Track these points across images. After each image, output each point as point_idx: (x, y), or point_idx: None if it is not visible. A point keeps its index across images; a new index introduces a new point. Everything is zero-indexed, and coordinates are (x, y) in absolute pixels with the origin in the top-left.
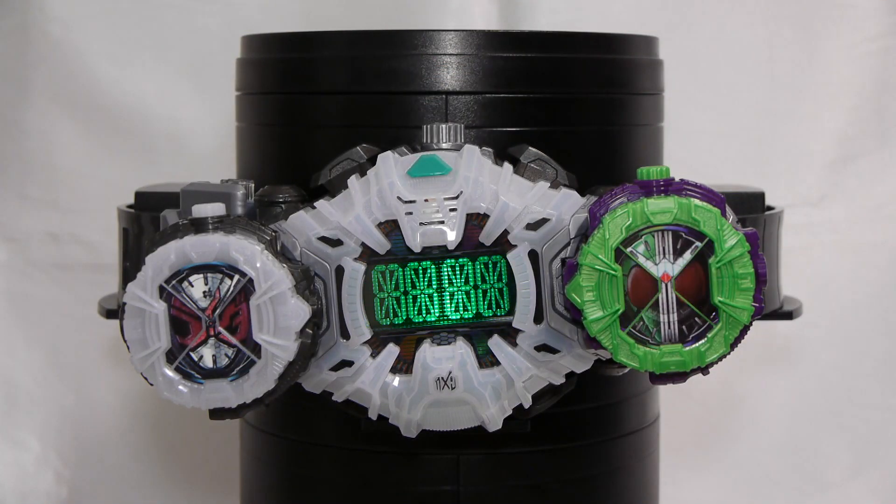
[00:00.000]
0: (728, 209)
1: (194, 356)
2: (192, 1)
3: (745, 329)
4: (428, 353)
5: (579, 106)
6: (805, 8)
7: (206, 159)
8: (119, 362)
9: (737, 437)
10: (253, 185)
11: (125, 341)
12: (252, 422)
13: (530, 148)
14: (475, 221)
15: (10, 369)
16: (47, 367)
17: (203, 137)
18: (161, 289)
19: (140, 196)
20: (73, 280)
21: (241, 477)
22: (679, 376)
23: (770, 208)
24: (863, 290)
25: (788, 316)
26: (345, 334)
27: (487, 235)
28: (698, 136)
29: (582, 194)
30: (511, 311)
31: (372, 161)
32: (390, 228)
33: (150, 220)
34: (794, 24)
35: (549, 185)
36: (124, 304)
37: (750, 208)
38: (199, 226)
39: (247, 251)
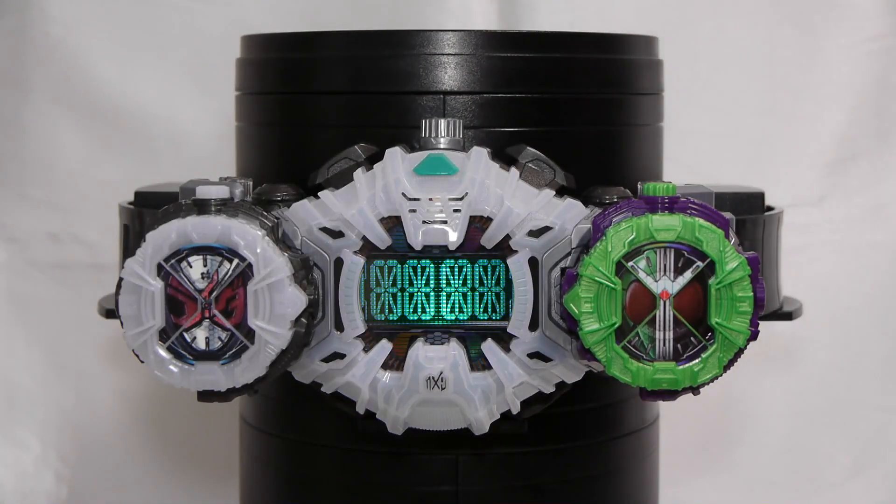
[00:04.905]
0: (731, 232)
1: (188, 337)
2: (192, 1)
3: (740, 352)
4: (421, 351)
5: (579, 106)
6: (805, 8)
7: (206, 159)
8: (119, 362)
9: (736, 437)
10: (251, 183)
11: (119, 317)
12: (252, 422)
13: (528, 148)
14: (478, 224)
15: (10, 369)
16: (47, 367)
17: (203, 137)
18: (160, 267)
19: (140, 196)
20: (73, 280)
21: (241, 477)
22: (670, 394)
23: (770, 208)
24: (863, 290)
25: (788, 316)
26: (339, 326)
27: (489, 239)
28: (698, 136)
29: (581, 195)
30: (507, 316)
31: (370, 160)
32: (392, 224)
33: (151, 216)
34: (794, 24)
35: (554, 193)
36: (121, 279)
37: (750, 208)
38: (201, 207)
39: (248, 236)
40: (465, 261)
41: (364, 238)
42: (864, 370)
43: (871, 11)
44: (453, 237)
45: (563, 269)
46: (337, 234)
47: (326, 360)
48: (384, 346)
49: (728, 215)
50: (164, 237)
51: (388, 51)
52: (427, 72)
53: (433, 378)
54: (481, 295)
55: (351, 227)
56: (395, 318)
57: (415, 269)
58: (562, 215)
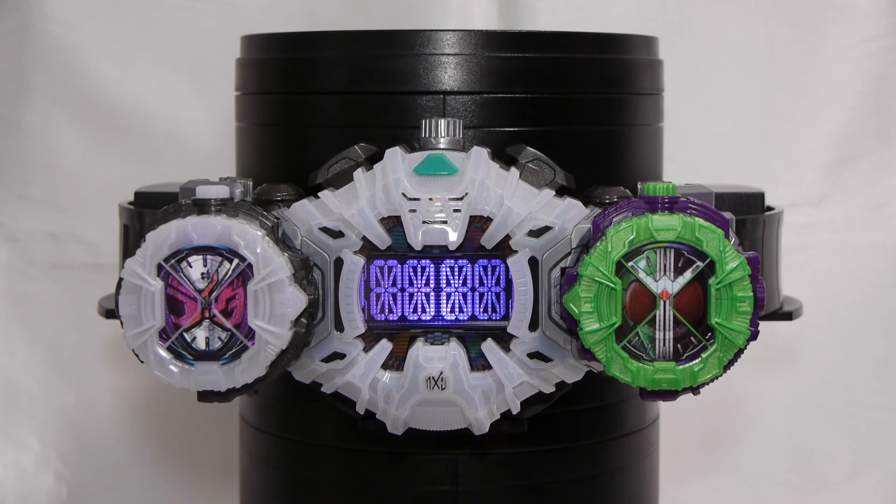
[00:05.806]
0: (731, 232)
1: (187, 337)
2: (192, 1)
3: (740, 352)
4: (420, 351)
5: (578, 106)
6: (805, 8)
7: (206, 159)
8: (119, 362)
9: (737, 437)
10: (251, 183)
11: (119, 317)
12: (252, 422)
13: (528, 148)
14: (478, 224)
15: (10, 369)
16: (47, 367)
17: (203, 137)
18: (159, 267)
19: (139, 196)
20: (73, 280)
21: (241, 477)
22: (670, 394)
23: (770, 208)
24: (862, 290)
25: (788, 316)
26: (339, 326)
27: (489, 239)
28: (698, 136)
29: (581, 195)
30: (507, 317)
31: (370, 160)
32: (392, 224)
33: (151, 216)
34: (794, 24)
35: (553, 193)
36: (121, 279)
37: (750, 208)
38: (201, 207)
39: (248, 236)
40: (465, 261)
41: (364, 238)
42: (863, 370)
43: (871, 11)
44: (453, 237)
45: (563, 269)
46: (337, 234)
47: (326, 360)
48: (384, 346)
49: (728, 215)
50: (163, 237)
51: (388, 51)
52: (427, 72)
53: (433, 378)
54: (481, 295)
55: (351, 227)
56: (395, 319)
57: (415, 269)
58: (562, 215)
